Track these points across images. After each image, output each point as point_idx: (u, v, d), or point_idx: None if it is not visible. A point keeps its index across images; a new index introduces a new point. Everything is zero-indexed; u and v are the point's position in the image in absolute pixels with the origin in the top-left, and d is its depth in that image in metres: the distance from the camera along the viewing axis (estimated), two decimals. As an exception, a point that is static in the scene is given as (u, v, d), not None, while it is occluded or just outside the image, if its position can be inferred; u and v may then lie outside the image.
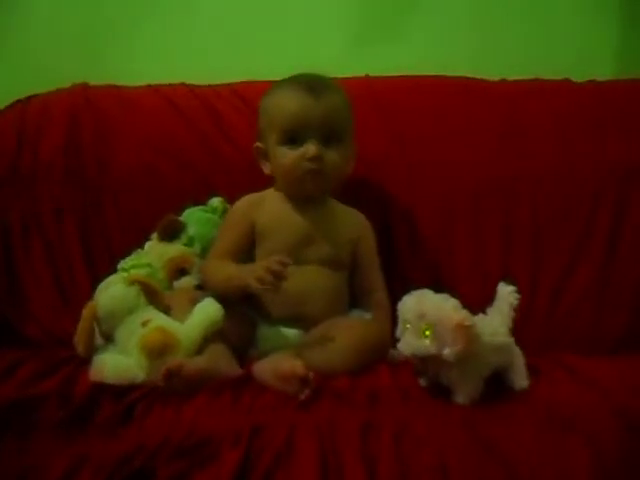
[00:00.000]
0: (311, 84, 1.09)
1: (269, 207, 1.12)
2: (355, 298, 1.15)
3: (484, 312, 0.94)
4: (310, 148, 1.06)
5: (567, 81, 1.36)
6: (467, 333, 0.84)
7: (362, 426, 0.81)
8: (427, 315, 0.85)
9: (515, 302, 0.94)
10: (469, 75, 1.35)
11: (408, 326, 0.87)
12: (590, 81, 1.36)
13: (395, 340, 0.91)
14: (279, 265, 0.94)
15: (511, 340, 0.93)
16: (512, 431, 0.82)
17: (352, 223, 1.15)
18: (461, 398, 0.88)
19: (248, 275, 0.97)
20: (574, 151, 1.27)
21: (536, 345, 1.13)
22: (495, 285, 1.15)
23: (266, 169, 1.14)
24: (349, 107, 1.14)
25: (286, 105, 1.08)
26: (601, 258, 1.21)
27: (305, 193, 1.11)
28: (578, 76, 1.37)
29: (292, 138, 1.07)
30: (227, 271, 1.06)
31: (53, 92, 1.32)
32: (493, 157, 1.27)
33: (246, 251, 1.11)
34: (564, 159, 1.26)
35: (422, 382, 0.92)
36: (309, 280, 1.08)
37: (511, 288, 0.95)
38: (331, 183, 1.12)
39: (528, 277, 1.21)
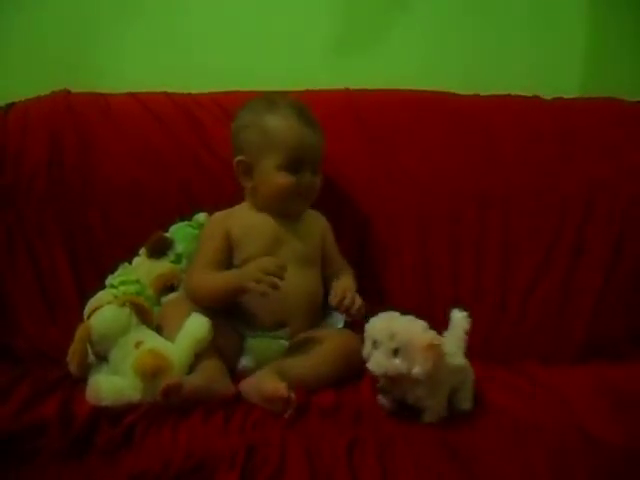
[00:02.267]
0: (305, 114, 1.17)
1: (241, 217, 1.17)
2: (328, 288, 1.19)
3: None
4: (306, 177, 1.15)
5: (537, 98, 1.40)
6: (436, 352, 0.91)
7: (348, 445, 0.87)
8: (397, 335, 0.91)
9: (468, 326, 0.99)
10: (444, 89, 1.39)
11: (376, 345, 0.92)
12: (557, 98, 1.41)
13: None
14: (275, 266, 1.03)
15: (467, 362, 0.99)
16: (485, 447, 0.89)
17: (316, 223, 1.23)
18: (429, 416, 0.94)
19: (243, 278, 1.04)
20: (542, 168, 1.32)
21: (504, 356, 1.20)
22: (469, 298, 1.24)
23: (247, 183, 1.18)
24: None
25: (292, 134, 1.14)
26: (564, 270, 1.27)
27: (288, 212, 1.18)
28: (546, 92, 1.41)
29: (295, 167, 1.14)
30: (219, 278, 1.10)
31: (34, 99, 1.31)
32: (467, 172, 1.32)
33: (227, 259, 1.14)
34: (532, 175, 1.31)
35: (382, 402, 0.97)
36: (287, 278, 1.12)
37: (464, 314, 1.00)
38: (309, 204, 1.20)
39: (497, 289, 1.26)
